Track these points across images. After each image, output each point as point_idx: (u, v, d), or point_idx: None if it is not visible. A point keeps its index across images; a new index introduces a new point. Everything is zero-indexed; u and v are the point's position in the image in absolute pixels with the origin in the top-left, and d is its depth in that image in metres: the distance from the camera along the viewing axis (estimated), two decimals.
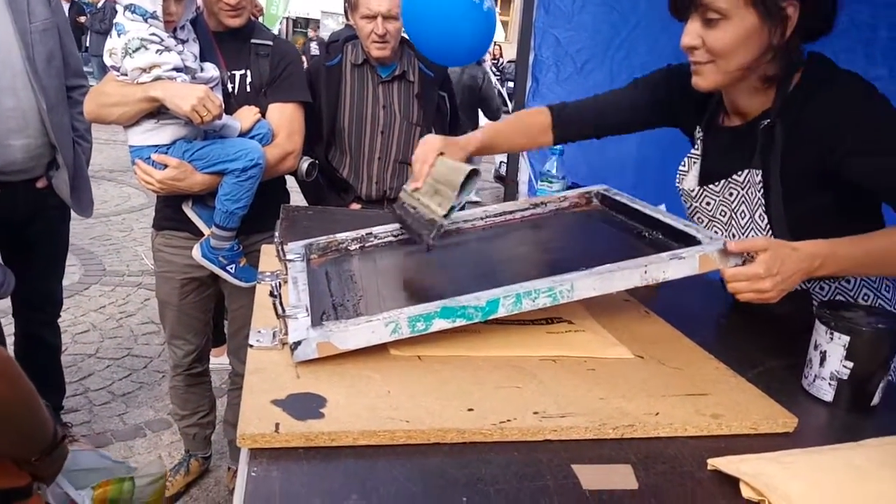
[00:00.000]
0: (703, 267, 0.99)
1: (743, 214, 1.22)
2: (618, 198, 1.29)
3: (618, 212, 1.28)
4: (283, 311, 0.93)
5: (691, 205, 1.30)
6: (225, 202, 1.71)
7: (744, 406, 0.92)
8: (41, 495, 0.97)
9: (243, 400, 0.80)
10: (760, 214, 1.17)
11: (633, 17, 2.34)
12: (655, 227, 1.16)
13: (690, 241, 1.04)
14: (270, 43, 1.84)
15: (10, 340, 2.31)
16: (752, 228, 1.21)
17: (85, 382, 2.82)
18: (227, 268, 1.80)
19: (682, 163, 1.29)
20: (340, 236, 1.27)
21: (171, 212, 1.86)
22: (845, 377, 0.98)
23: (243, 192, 1.71)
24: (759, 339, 1.24)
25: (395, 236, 1.30)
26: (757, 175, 1.15)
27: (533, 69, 2.31)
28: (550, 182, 1.58)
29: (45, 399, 0.90)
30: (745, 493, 0.75)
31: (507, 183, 2.77)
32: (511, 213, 1.34)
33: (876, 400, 0.99)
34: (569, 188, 1.52)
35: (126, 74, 1.58)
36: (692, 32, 1.08)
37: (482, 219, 1.33)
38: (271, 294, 0.92)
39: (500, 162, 6.28)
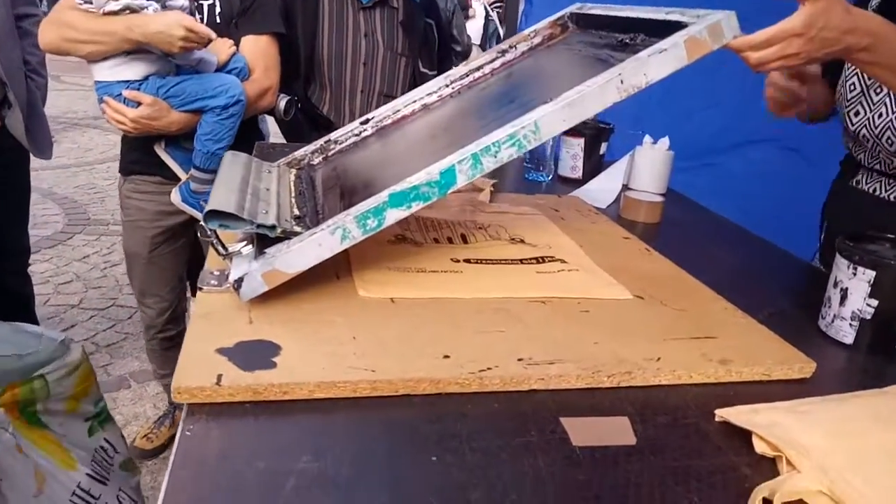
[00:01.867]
0: (692, 54, 0.82)
1: None
2: (592, 11, 1.12)
3: (596, 28, 1.11)
4: (226, 249, 0.82)
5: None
6: (205, 142, 1.58)
7: (755, 350, 0.82)
8: None
9: (183, 348, 0.70)
10: None
11: None
12: (638, 29, 0.98)
13: (677, 29, 0.87)
14: None
15: None
16: None
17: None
18: (199, 224, 1.69)
19: None
20: (299, 152, 1.14)
21: (139, 154, 1.73)
22: (868, 317, 0.88)
23: (225, 131, 1.59)
24: (770, 278, 1.14)
25: (356, 135, 1.16)
26: None
27: None
28: None
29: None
30: (759, 447, 0.65)
31: None
32: (478, 68, 1.18)
33: None
34: None
35: (91, 2, 1.44)
36: None
37: (447, 86, 1.18)
38: (202, 234, 0.81)
39: None
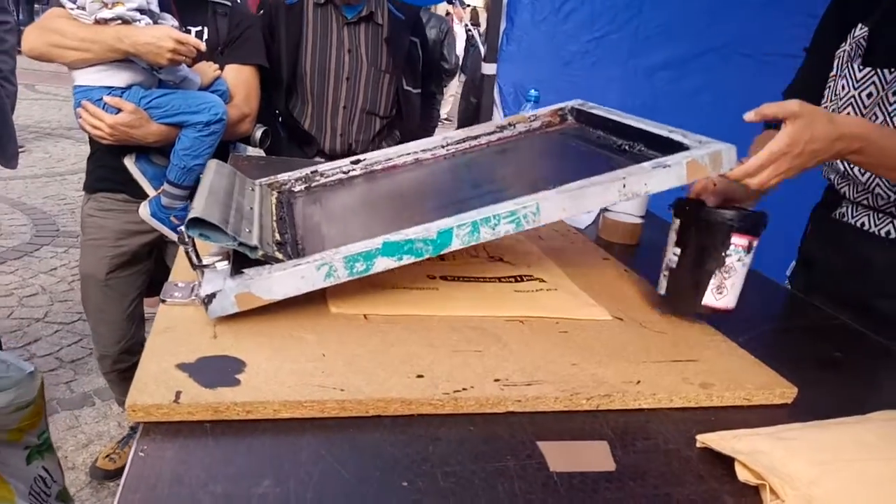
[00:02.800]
0: (691, 175, 0.85)
1: None
2: (594, 111, 1.15)
3: (595, 127, 1.14)
4: (199, 260, 0.79)
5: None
6: (183, 157, 1.55)
7: (736, 374, 0.80)
8: None
9: (141, 363, 0.66)
10: None
11: None
12: (638, 139, 1.02)
13: (678, 148, 0.91)
14: (229, 3, 1.72)
15: None
16: None
17: (31, 348, 2.64)
18: (179, 229, 1.64)
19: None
20: (282, 176, 1.12)
21: (106, 171, 1.69)
22: (674, 266, 0.91)
23: (204, 148, 1.57)
24: (747, 301, 1.13)
25: (344, 173, 1.15)
26: None
27: (508, 9, 2.13)
28: None
29: None
30: (742, 475, 0.63)
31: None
32: (475, 137, 1.20)
33: (716, 300, 0.89)
34: None
35: (84, 8, 1.41)
36: None
37: (443, 147, 1.19)
38: (181, 241, 0.78)
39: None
